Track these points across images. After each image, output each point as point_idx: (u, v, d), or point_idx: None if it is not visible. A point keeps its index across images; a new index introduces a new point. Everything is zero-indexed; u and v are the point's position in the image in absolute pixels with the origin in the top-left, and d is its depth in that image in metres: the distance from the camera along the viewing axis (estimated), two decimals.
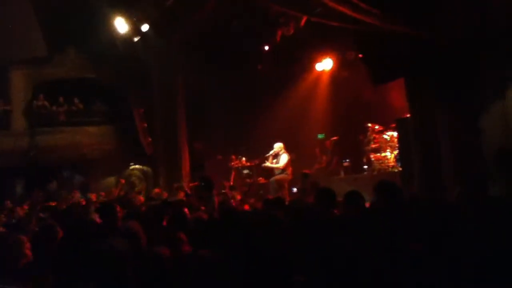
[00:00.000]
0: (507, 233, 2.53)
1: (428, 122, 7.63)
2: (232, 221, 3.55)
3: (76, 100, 14.30)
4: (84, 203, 8.17)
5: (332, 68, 12.07)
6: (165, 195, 9.00)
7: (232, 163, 11.77)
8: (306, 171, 9.61)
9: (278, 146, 10.15)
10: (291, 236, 3.25)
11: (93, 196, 10.02)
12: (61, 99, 14.20)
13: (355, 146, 11.09)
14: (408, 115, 8.39)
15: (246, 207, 5.63)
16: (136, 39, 10.62)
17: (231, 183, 10.92)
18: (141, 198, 8.46)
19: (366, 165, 10.47)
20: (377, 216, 3.55)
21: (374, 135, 10.37)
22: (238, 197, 8.31)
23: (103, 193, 10.97)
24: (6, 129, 13.68)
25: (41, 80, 14.03)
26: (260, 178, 11.37)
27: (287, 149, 10.18)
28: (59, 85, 13.95)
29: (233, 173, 11.59)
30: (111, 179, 13.43)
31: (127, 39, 10.53)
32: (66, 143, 13.51)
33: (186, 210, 4.84)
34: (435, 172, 7.36)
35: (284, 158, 9.91)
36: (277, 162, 10.01)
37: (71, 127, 13.89)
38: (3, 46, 12.49)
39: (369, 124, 10.53)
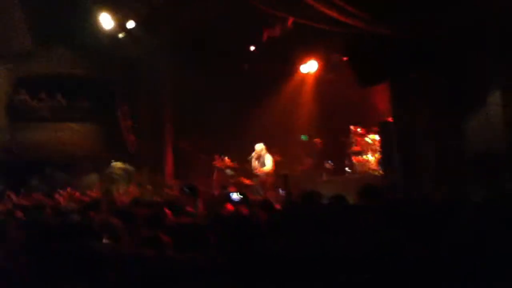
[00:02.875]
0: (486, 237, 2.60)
1: (411, 126, 7.74)
2: (222, 225, 3.56)
3: (59, 96, 14.10)
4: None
5: (317, 70, 12.13)
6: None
7: (216, 163, 11.76)
8: (285, 172, 9.69)
9: (260, 147, 10.18)
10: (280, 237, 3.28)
11: (76, 194, 9.86)
12: (43, 95, 14.00)
13: (337, 148, 11.18)
14: (391, 119, 8.50)
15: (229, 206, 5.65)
16: (121, 36, 10.55)
17: (215, 183, 10.92)
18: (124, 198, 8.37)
19: (348, 167, 10.56)
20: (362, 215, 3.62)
21: (356, 137, 10.48)
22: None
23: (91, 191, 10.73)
24: None
25: (24, 75, 13.78)
26: (243, 178, 11.37)
27: (270, 150, 10.21)
28: (42, 80, 13.73)
29: (216, 173, 11.58)
30: (94, 176, 13.29)
31: (113, 35, 10.45)
32: (49, 139, 13.33)
33: (168, 211, 4.80)
34: (417, 175, 7.48)
35: (269, 159, 9.94)
36: (260, 163, 10.03)
37: (54, 123, 13.70)
38: None
39: (352, 127, 10.62)
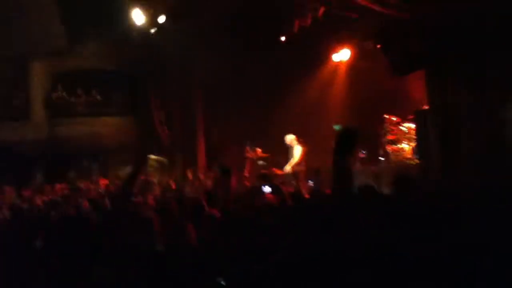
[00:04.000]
0: None
1: (448, 114, 7.53)
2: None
3: (94, 91, 14.41)
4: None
5: (349, 59, 11.92)
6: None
7: (247, 154, 11.76)
8: (318, 168, 9.65)
9: (289, 138, 10.15)
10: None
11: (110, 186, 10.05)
12: (79, 91, 14.32)
13: (371, 137, 10.99)
14: (427, 107, 8.29)
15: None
16: (153, 30, 10.64)
17: (247, 174, 10.94)
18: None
19: (383, 156, 10.41)
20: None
21: (391, 126, 10.31)
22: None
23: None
24: (27, 119, 13.87)
25: (60, 71, 14.15)
26: (275, 169, 11.34)
27: (303, 140, 10.14)
28: (78, 76, 14.08)
29: (248, 164, 11.60)
30: (129, 169, 13.52)
31: (144, 30, 10.55)
32: (85, 133, 13.64)
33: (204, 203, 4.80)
34: (455, 164, 7.27)
35: (298, 150, 9.89)
36: (290, 155, 9.99)
37: (90, 118, 14.01)
38: (23, 38, 12.62)
39: (386, 116, 10.46)
